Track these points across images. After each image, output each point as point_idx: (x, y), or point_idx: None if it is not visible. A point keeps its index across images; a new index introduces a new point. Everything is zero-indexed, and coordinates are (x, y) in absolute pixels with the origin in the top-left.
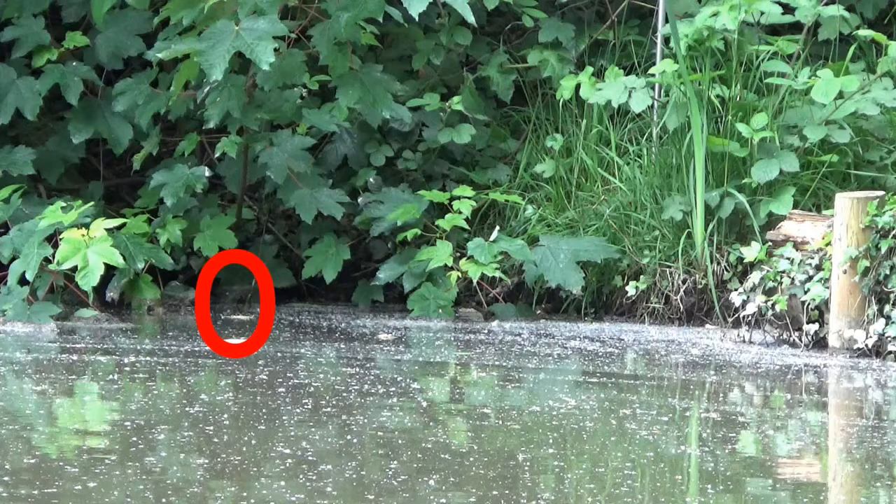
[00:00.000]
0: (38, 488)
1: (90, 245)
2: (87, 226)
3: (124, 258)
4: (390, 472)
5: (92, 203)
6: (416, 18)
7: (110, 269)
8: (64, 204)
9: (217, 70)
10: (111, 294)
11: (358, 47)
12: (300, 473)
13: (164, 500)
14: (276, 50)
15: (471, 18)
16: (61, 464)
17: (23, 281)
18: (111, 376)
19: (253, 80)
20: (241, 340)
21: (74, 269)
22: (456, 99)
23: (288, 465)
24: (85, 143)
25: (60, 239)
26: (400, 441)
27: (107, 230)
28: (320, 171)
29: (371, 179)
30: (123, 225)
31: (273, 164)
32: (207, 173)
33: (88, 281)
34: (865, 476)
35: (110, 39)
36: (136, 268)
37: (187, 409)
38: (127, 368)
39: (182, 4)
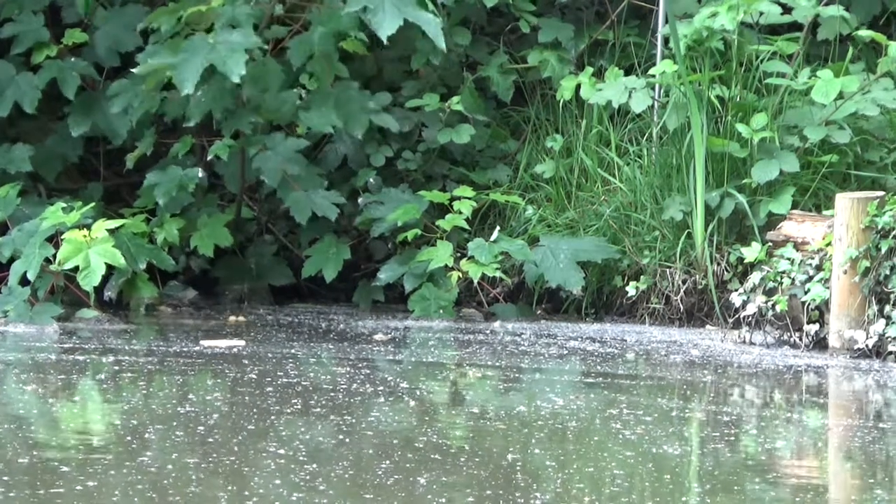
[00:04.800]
0: (38, 488)
1: (92, 246)
2: (88, 226)
3: (125, 259)
4: (386, 470)
5: (93, 204)
6: (386, 41)
7: (109, 269)
8: (64, 205)
9: (189, 84)
10: (109, 293)
11: (334, 61)
12: (293, 473)
13: (163, 501)
14: (252, 59)
15: (442, 45)
16: (61, 464)
17: (23, 281)
18: (112, 377)
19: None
20: (239, 341)
21: (75, 269)
22: (456, 99)
23: (281, 464)
24: (84, 142)
25: (62, 239)
26: (395, 442)
27: (108, 230)
28: (320, 171)
29: (371, 180)
30: (123, 225)
31: (266, 168)
32: (201, 174)
33: (90, 281)
34: (865, 477)
35: (108, 35)
36: (137, 268)
37: (184, 409)
38: (128, 369)
39: (165, 13)
